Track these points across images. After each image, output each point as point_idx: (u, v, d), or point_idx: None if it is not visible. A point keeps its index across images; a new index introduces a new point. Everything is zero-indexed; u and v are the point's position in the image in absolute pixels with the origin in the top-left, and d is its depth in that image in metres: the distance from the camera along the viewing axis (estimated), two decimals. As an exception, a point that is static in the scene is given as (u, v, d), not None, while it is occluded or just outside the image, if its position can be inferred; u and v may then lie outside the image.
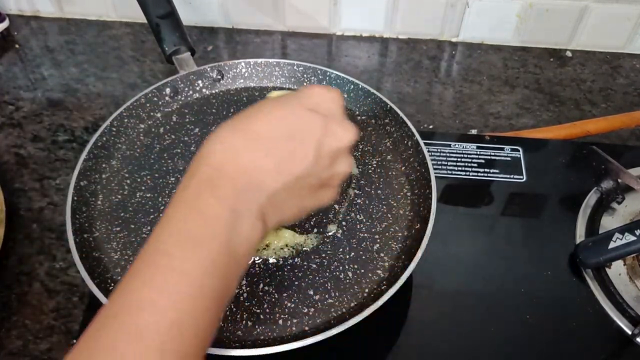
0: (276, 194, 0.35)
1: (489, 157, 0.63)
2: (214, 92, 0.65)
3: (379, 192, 0.55)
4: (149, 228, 0.51)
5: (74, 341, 0.49)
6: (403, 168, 0.57)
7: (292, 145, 0.35)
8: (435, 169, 0.59)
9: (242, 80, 0.66)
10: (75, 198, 0.51)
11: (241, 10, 0.80)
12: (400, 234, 0.52)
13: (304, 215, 0.39)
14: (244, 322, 0.46)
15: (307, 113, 0.35)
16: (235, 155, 0.34)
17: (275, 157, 0.34)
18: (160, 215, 0.52)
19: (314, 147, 0.35)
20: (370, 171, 0.57)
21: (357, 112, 0.63)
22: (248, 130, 0.35)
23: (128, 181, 0.55)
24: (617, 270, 0.53)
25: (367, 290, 0.48)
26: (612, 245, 0.51)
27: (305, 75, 0.65)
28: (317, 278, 0.48)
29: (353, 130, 0.37)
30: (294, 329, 0.45)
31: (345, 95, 0.64)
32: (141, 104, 0.60)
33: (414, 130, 0.57)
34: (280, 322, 0.46)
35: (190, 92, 0.64)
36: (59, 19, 0.83)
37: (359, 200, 0.54)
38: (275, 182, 0.35)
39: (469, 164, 0.62)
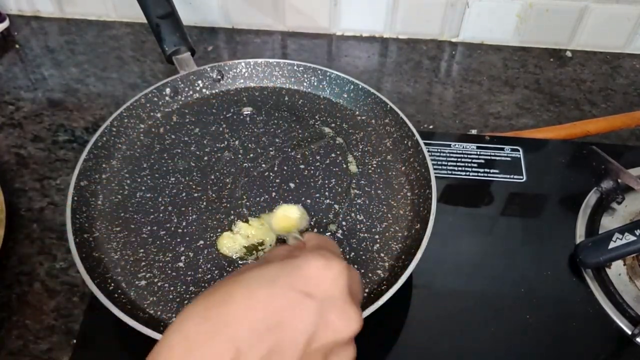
0: None
1: (489, 157, 0.63)
2: (214, 92, 0.65)
3: (379, 192, 0.55)
4: (149, 228, 0.51)
5: (74, 341, 0.49)
6: (403, 168, 0.57)
7: (273, 342, 0.27)
8: (435, 169, 0.59)
9: (242, 81, 0.66)
10: (76, 198, 0.51)
11: (241, 11, 0.80)
12: (400, 234, 0.52)
13: None
14: (244, 322, 0.46)
15: (299, 297, 0.28)
16: (196, 356, 0.26)
17: (251, 358, 0.27)
18: (160, 215, 0.52)
19: (303, 343, 0.28)
20: (370, 171, 0.57)
21: (357, 112, 0.63)
22: (219, 318, 0.27)
23: (128, 181, 0.55)
24: (617, 270, 0.53)
25: (367, 290, 0.48)
26: (612, 245, 0.51)
27: (305, 76, 0.65)
28: (317, 278, 0.48)
29: (357, 319, 0.30)
30: (294, 329, 0.45)
31: (345, 95, 0.64)
32: (141, 104, 0.60)
33: (414, 130, 0.57)
34: (280, 322, 0.46)
35: (190, 92, 0.64)
36: (59, 19, 0.83)
37: (359, 200, 0.54)
38: None
39: (469, 164, 0.62)
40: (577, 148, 0.64)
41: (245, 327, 0.27)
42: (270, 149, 0.59)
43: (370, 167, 0.57)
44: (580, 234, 0.56)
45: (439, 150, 0.64)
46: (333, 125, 0.61)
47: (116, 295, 0.46)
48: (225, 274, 0.49)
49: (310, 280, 0.29)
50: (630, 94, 0.75)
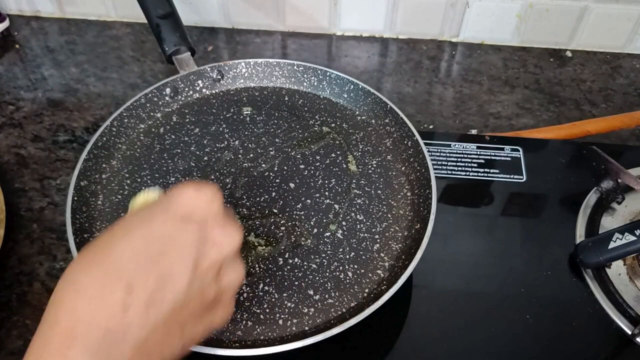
0: (148, 340, 0.28)
1: (489, 157, 0.63)
2: (214, 92, 0.65)
3: (379, 192, 0.55)
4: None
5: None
6: (403, 168, 0.57)
7: (163, 269, 0.28)
8: (435, 169, 0.59)
9: (242, 81, 0.66)
10: (76, 198, 0.51)
11: (241, 10, 0.80)
12: (400, 234, 0.52)
13: (193, 345, 0.33)
14: (244, 322, 0.46)
15: (177, 224, 0.30)
16: (88, 304, 0.27)
17: (142, 292, 0.28)
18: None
19: (190, 265, 0.29)
20: (370, 171, 0.57)
21: (357, 112, 0.63)
22: (107, 259, 0.28)
23: (128, 181, 0.55)
24: (617, 270, 0.53)
25: (367, 290, 0.48)
26: (612, 245, 0.51)
27: (305, 76, 0.65)
28: (317, 278, 0.49)
29: (237, 233, 0.32)
30: (294, 329, 0.45)
31: (345, 95, 0.64)
32: (141, 104, 0.60)
33: (414, 130, 0.57)
34: (281, 322, 0.46)
35: (191, 92, 0.64)
36: (59, 19, 0.83)
37: (359, 200, 0.54)
38: (144, 325, 0.28)
39: (469, 164, 0.62)
40: (577, 148, 0.64)
41: (131, 262, 0.28)
42: (270, 149, 0.59)
43: (370, 167, 0.57)
44: (580, 234, 0.56)
45: (439, 150, 0.64)
46: (333, 125, 0.62)
47: (116, 295, 0.46)
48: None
49: (186, 207, 0.30)
50: (630, 94, 0.75)
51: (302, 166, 0.57)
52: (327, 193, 0.55)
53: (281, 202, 0.54)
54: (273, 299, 0.47)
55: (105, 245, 0.29)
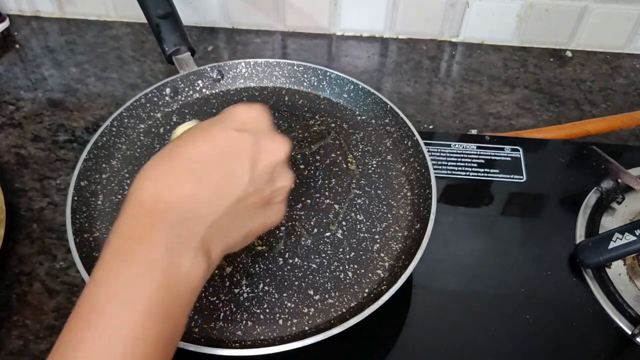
0: (216, 223, 0.33)
1: (489, 157, 0.63)
2: (214, 92, 0.65)
3: (379, 192, 0.55)
4: (149, 228, 0.51)
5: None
6: (403, 168, 0.57)
7: (226, 168, 0.34)
8: (435, 169, 0.59)
9: (242, 81, 0.66)
10: (76, 198, 0.51)
11: (241, 11, 0.80)
12: (400, 234, 0.52)
13: (253, 238, 0.38)
14: (244, 322, 0.46)
15: (235, 133, 0.34)
16: (166, 188, 0.32)
17: (210, 183, 0.33)
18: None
19: (249, 166, 0.34)
20: (370, 171, 0.57)
21: (357, 112, 0.63)
22: (177, 159, 0.33)
23: (128, 181, 0.55)
24: (617, 270, 0.53)
25: (367, 290, 0.48)
26: (612, 245, 0.51)
27: (305, 76, 0.65)
28: (317, 278, 0.49)
29: (285, 143, 0.36)
30: (294, 329, 0.45)
31: (345, 95, 0.64)
32: (141, 104, 0.60)
33: (414, 130, 0.57)
34: (281, 322, 0.46)
35: (190, 92, 0.64)
36: (59, 19, 0.83)
37: (359, 200, 0.54)
38: (214, 210, 0.33)
39: (469, 164, 0.62)
40: (577, 148, 0.64)
41: (197, 161, 0.33)
42: (270, 149, 0.59)
43: (370, 167, 0.57)
44: (580, 234, 0.56)
45: (439, 150, 0.64)
46: (333, 125, 0.61)
47: (116, 295, 0.46)
48: (224, 274, 0.49)
49: (240, 120, 0.35)
50: (630, 94, 0.75)
51: (302, 166, 0.57)
52: (327, 193, 0.55)
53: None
54: (273, 299, 0.47)
55: (173, 149, 0.34)
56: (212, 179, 0.33)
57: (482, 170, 0.62)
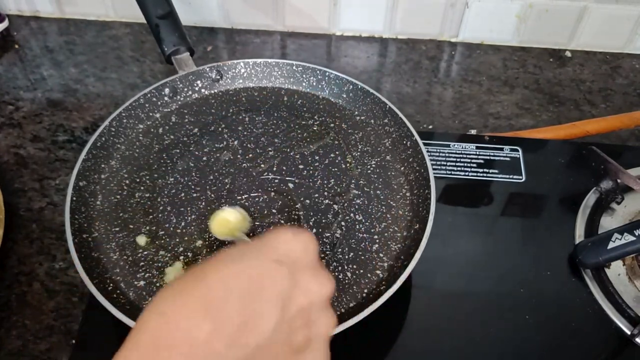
0: None
1: (489, 158, 0.63)
2: (213, 92, 0.65)
3: (378, 192, 0.55)
4: (147, 228, 0.51)
5: (74, 341, 0.49)
6: (402, 168, 0.57)
7: (250, 308, 0.27)
8: (434, 169, 0.59)
9: (241, 81, 0.66)
10: (74, 198, 0.51)
11: (240, 11, 0.80)
12: (399, 234, 0.52)
13: None
14: (243, 322, 0.46)
15: (271, 265, 0.29)
16: (173, 328, 0.26)
17: (227, 327, 0.27)
18: (159, 215, 0.52)
19: (278, 307, 0.28)
20: (369, 171, 0.57)
21: (356, 112, 0.63)
22: (194, 293, 0.27)
23: (127, 181, 0.55)
24: (616, 271, 0.53)
25: (366, 290, 0.48)
26: (611, 245, 0.51)
27: (304, 76, 0.65)
28: (316, 278, 0.48)
29: (329, 283, 0.31)
30: (293, 329, 0.45)
31: (344, 96, 0.64)
32: (140, 104, 0.60)
33: (413, 130, 0.57)
34: (279, 322, 0.46)
35: (190, 92, 0.64)
36: (58, 19, 0.83)
37: (358, 201, 0.54)
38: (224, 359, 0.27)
39: (469, 164, 0.62)
40: (576, 148, 0.64)
41: (219, 297, 0.27)
42: (269, 149, 0.59)
43: (369, 167, 0.57)
44: (579, 234, 0.56)
45: (438, 150, 0.64)
46: (332, 125, 0.61)
47: (115, 296, 0.46)
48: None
49: (280, 250, 0.30)
50: (629, 94, 0.75)
51: (301, 166, 0.57)
52: (326, 193, 0.55)
53: (280, 202, 0.54)
54: (272, 299, 0.47)
55: (195, 277, 0.28)
56: (230, 322, 0.27)
57: (481, 170, 0.62)
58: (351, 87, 0.63)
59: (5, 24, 0.81)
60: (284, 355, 0.29)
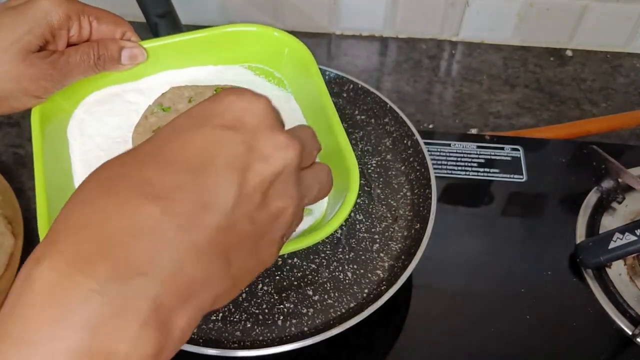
0: (183, 270, 0.22)
1: (489, 157, 0.63)
2: (213, 91, 0.65)
3: (379, 191, 0.55)
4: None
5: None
6: (403, 167, 0.57)
7: (201, 183, 0.23)
8: (435, 168, 0.59)
9: (241, 80, 0.65)
10: (74, 198, 0.51)
11: (240, 10, 0.80)
12: (399, 234, 0.51)
13: (240, 289, 0.26)
14: (242, 322, 0.46)
15: (221, 133, 0.24)
16: (105, 221, 0.21)
17: (177, 209, 0.22)
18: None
19: (234, 179, 0.23)
20: (369, 171, 0.57)
21: (357, 112, 0.63)
22: (131, 176, 0.23)
23: (126, 181, 0.55)
24: (617, 270, 0.53)
25: (366, 290, 0.48)
26: (612, 245, 0.51)
27: (304, 75, 0.65)
28: (317, 278, 0.48)
29: (293, 146, 0.25)
30: (293, 329, 0.45)
31: (345, 95, 0.63)
32: (140, 103, 0.60)
33: (413, 129, 0.57)
34: (279, 322, 0.46)
35: (189, 91, 0.64)
36: (57, 18, 0.83)
37: (358, 200, 0.54)
38: (178, 251, 0.22)
39: (469, 164, 0.62)
40: (577, 147, 0.64)
41: (161, 178, 0.23)
42: (270, 148, 0.58)
43: (369, 166, 0.57)
44: (580, 234, 0.56)
45: (439, 149, 0.63)
46: (332, 124, 0.61)
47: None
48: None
49: (227, 115, 0.25)
50: (630, 93, 0.75)
51: (301, 166, 0.57)
52: (326, 193, 0.54)
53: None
54: (272, 300, 0.47)
55: (129, 160, 0.24)
56: (181, 204, 0.22)
57: (482, 169, 0.61)
58: (351, 86, 0.63)
59: (4, 22, 0.80)
60: (248, 241, 0.25)
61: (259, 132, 0.25)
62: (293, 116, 0.46)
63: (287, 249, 0.36)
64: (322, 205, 0.42)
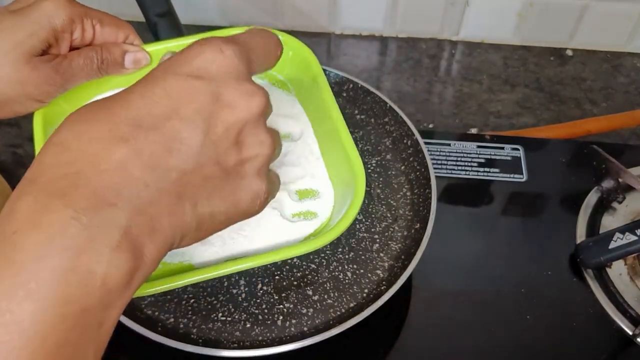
0: (150, 205, 0.24)
1: (489, 157, 0.63)
2: (212, 91, 0.64)
3: (379, 191, 0.55)
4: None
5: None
6: (403, 167, 0.57)
7: (166, 128, 0.25)
8: (435, 168, 0.59)
9: (240, 79, 0.65)
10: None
11: (239, 9, 0.80)
12: (399, 234, 0.51)
13: (218, 228, 0.28)
14: (242, 322, 0.45)
15: (186, 82, 0.26)
16: (77, 158, 0.24)
17: (143, 150, 0.24)
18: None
19: (199, 125, 0.26)
20: (369, 170, 0.57)
21: (356, 111, 0.63)
22: (100, 118, 0.25)
23: (126, 181, 0.55)
24: (617, 270, 0.53)
25: (366, 290, 0.48)
26: (612, 245, 0.51)
27: (304, 74, 0.65)
28: (316, 278, 0.48)
29: (259, 94, 0.27)
30: (292, 329, 0.45)
31: (344, 94, 0.63)
32: (139, 103, 0.60)
33: (413, 129, 0.56)
34: (279, 322, 0.46)
35: (189, 91, 0.64)
36: (57, 17, 0.83)
37: (358, 200, 0.54)
38: (146, 185, 0.24)
39: (469, 164, 0.62)
40: (577, 147, 0.64)
41: (128, 122, 0.25)
42: (269, 148, 0.58)
43: (369, 166, 0.57)
44: (580, 234, 0.56)
45: (439, 149, 0.63)
46: (332, 124, 0.61)
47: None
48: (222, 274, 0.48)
49: (194, 64, 0.26)
50: (631, 92, 0.75)
51: (301, 165, 0.57)
52: (326, 192, 0.54)
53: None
54: (272, 300, 0.47)
55: (102, 106, 0.25)
56: (147, 146, 0.24)
57: (482, 169, 0.61)
58: (351, 85, 0.62)
59: (4, 22, 0.80)
60: (214, 184, 0.27)
61: (225, 80, 0.27)
62: (297, 119, 0.46)
63: (293, 253, 0.36)
64: (327, 209, 0.42)
